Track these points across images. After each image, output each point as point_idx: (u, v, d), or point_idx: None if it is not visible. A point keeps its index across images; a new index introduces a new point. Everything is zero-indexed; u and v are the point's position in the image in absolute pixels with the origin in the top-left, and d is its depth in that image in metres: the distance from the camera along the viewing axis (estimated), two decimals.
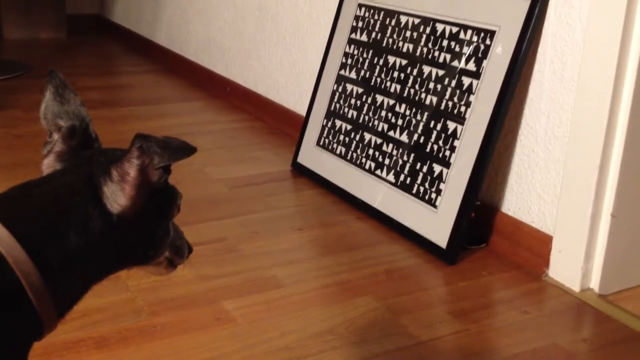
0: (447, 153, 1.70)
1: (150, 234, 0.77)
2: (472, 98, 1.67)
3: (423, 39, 1.83)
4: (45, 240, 0.67)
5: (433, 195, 1.71)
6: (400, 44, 1.89)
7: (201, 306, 1.41)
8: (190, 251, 0.85)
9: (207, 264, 1.57)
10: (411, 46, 1.86)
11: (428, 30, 1.82)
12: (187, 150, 0.71)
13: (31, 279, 0.64)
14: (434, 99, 1.76)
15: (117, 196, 0.70)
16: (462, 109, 1.68)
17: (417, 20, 1.86)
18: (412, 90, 1.83)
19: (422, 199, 1.73)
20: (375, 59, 1.96)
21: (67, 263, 0.68)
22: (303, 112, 2.27)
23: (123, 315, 1.36)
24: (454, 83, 1.72)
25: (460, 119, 1.68)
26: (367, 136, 1.94)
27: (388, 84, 1.91)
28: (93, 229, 0.69)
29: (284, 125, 2.50)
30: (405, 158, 1.81)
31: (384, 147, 1.88)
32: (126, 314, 1.37)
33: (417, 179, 1.76)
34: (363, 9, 2.04)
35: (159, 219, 0.77)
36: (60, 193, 0.70)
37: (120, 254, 0.75)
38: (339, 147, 2.03)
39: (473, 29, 1.70)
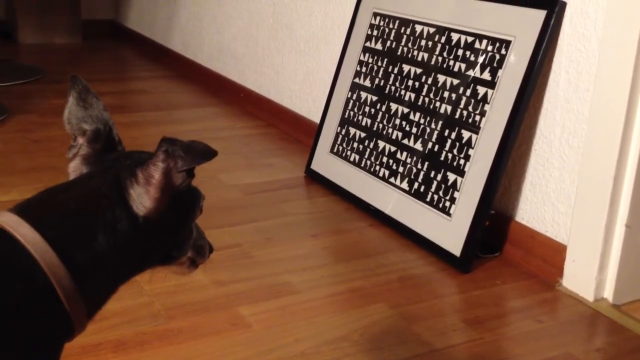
0: (462, 162, 1.70)
1: (174, 234, 0.78)
2: (487, 107, 1.68)
3: (438, 48, 1.84)
4: (74, 243, 0.68)
5: (447, 204, 1.71)
6: (415, 52, 1.91)
7: (217, 311, 1.43)
8: (211, 250, 0.86)
9: (222, 270, 1.59)
10: (426, 55, 1.87)
11: (443, 39, 1.83)
12: (209, 153, 0.73)
13: (63, 282, 0.66)
14: (449, 108, 1.77)
15: (142, 198, 0.71)
16: (477, 118, 1.69)
17: (432, 30, 1.87)
18: (426, 99, 1.84)
19: (436, 207, 1.74)
20: (390, 67, 1.98)
21: (95, 265, 0.70)
22: (317, 119, 2.28)
23: (140, 320, 1.38)
24: (468, 92, 1.73)
25: (475, 128, 1.69)
26: (381, 144, 1.95)
27: (402, 92, 1.92)
28: (120, 231, 0.71)
29: (298, 132, 2.52)
30: (419, 166, 1.82)
31: (398, 155, 1.89)
32: (143, 318, 1.38)
33: (431, 187, 1.77)
34: (378, 17, 2.05)
35: (183, 220, 0.78)
36: (87, 196, 0.71)
37: (145, 255, 0.76)
38: (353, 155, 2.04)
39: (488, 38, 1.71)
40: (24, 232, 0.66)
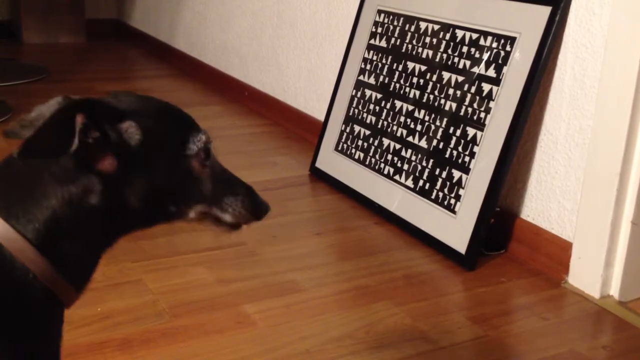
0: (467, 159, 1.70)
1: (153, 188, 0.69)
2: (492, 104, 1.67)
3: (443, 45, 1.83)
4: (28, 211, 0.65)
5: (452, 201, 1.71)
6: (420, 49, 1.90)
7: (222, 309, 1.42)
8: (265, 210, 0.78)
9: (227, 268, 1.59)
10: (431, 52, 1.87)
11: (448, 36, 1.82)
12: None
13: (26, 254, 0.64)
14: (454, 105, 1.77)
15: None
16: (482, 115, 1.69)
17: (436, 27, 1.86)
18: (431, 96, 1.84)
19: (441, 204, 1.74)
20: (395, 64, 1.97)
21: (65, 236, 0.66)
22: (321, 117, 2.28)
23: (145, 318, 1.38)
24: (473, 89, 1.72)
25: (480, 125, 1.69)
26: (386, 141, 1.95)
27: (407, 89, 1.92)
28: (76, 194, 0.66)
29: (302, 130, 2.51)
30: (424, 163, 1.81)
31: (403, 153, 1.88)
32: (148, 316, 1.38)
33: (436, 185, 1.76)
34: (382, 14, 2.05)
35: (162, 169, 0.70)
36: (36, 163, 0.66)
37: (120, 216, 0.69)
38: (358, 152, 2.04)
39: (493, 35, 1.70)
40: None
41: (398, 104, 1.94)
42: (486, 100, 1.68)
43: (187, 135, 0.71)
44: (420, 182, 1.81)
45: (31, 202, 0.65)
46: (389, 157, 1.93)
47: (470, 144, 1.70)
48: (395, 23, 2.00)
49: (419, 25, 1.92)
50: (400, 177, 1.87)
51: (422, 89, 1.87)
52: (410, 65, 1.92)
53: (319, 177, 2.15)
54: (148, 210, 0.71)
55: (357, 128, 2.06)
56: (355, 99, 2.09)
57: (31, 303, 0.66)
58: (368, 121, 2.03)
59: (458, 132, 1.74)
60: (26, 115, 0.72)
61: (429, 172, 1.79)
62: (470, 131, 1.71)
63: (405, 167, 1.87)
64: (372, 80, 2.04)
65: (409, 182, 1.84)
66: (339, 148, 2.11)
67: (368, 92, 2.05)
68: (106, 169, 0.66)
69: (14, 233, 0.64)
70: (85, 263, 0.70)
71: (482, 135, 1.68)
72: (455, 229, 1.68)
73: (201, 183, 0.74)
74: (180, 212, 0.74)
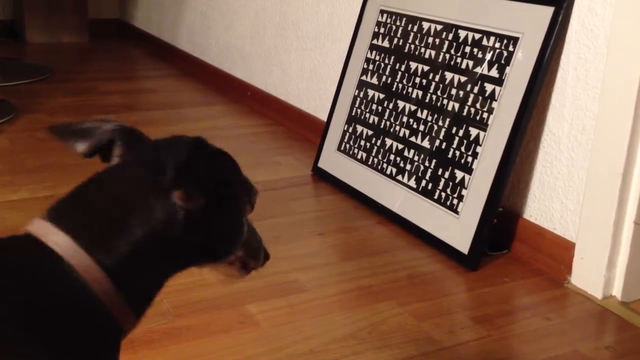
0: (469, 159, 1.70)
1: (221, 230, 0.74)
2: (494, 104, 1.67)
3: (445, 45, 1.84)
4: (111, 244, 0.66)
5: (455, 201, 1.71)
6: (422, 50, 1.90)
7: (225, 309, 1.43)
8: (267, 257, 0.83)
9: None
10: (433, 52, 1.87)
11: (450, 36, 1.82)
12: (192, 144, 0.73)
13: (102, 286, 0.65)
14: (456, 105, 1.77)
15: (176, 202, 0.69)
16: (485, 115, 1.69)
17: (439, 27, 1.87)
18: (433, 97, 1.84)
19: (444, 204, 1.74)
20: (397, 64, 1.97)
21: (136, 264, 0.67)
22: (324, 117, 2.28)
23: (149, 318, 1.37)
24: (476, 89, 1.73)
25: (483, 125, 1.69)
26: (389, 141, 1.95)
27: (410, 89, 1.92)
28: (160, 227, 0.68)
29: (305, 130, 2.52)
30: (426, 164, 1.82)
31: (406, 153, 1.88)
32: (152, 316, 1.38)
33: (438, 185, 1.77)
34: (385, 15, 2.05)
35: (230, 215, 0.75)
36: (123, 192, 0.69)
37: (189, 251, 0.73)
38: (360, 153, 2.04)
39: (496, 35, 1.70)
40: (57, 240, 0.64)
41: (401, 104, 1.94)
42: (489, 101, 1.69)
43: (251, 186, 0.79)
44: (423, 182, 1.81)
45: (115, 232, 0.67)
46: (392, 157, 1.93)
47: (473, 144, 1.70)
48: (398, 23, 2.00)
49: (422, 25, 1.92)
50: (403, 177, 1.87)
51: (425, 89, 1.87)
52: (413, 65, 1.92)
53: (322, 177, 2.16)
54: (211, 249, 0.76)
55: (359, 128, 2.06)
56: (358, 99, 2.09)
57: (99, 330, 0.66)
58: (370, 121, 2.03)
59: (461, 132, 1.74)
60: (79, 123, 0.74)
61: (431, 172, 1.80)
62: (473, 131, 1.71)
63: (408, 167, 1.87)
64: (374, 80, 2.04)
65: (412, 182, 1.84)
66: (342, 148, 2.12)
67: (371, 92, 2.05)
68: (194, 210, 0.69)
69: (93, 264, 0.65)
70: (150, 293, 0.72)
71: (484, 135, 1.68)
72: (458, 229, 1.68)
73: (244, 231, 0.79)
74: (227, 253, 0.78)
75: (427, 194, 1.79)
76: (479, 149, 1.69)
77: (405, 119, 1.92)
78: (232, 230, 0.76)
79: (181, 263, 0.74)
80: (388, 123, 1.97)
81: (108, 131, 0.74)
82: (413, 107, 1.90)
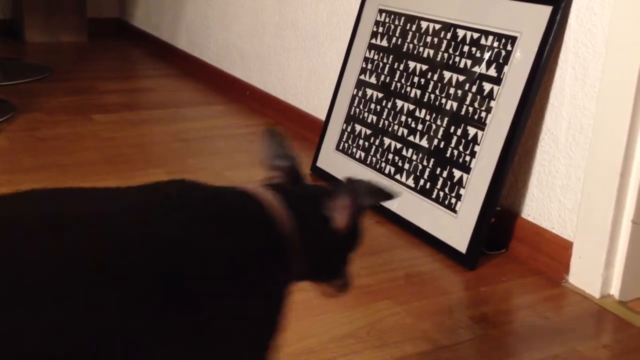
0: (468, 158, 1.70)
1: (344, 256, 0.95)
2: (492, 104, 1.67)
3: (444, 45, 1.84)
4: (301, 222, 0.86)
5: (453, 200, 1.71)
6: (421, 49, 1.90)
7: None
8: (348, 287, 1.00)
9: None
10: (432, 52, 1.87)
11: (449, 35, 1.83)
12: (389, 194, 0.94)
13: (295, 244, 0.84)
14: (454, 105, 1.77)
15: (336, 220, 0.90)
16: (483, 114, 1.69)
17: (437, 26, 1.87)
18: (432, 96, 1.84)
19: (442, 204, 1.74)
20: (396, 64, 1.98)
21: (305, 250, 0.86)
22: (322, 117, 2.28)
23: None
24: (474, 88, 1.73)
25: (481, 125, 1.69)
26: (387, 141, 1.95)
27: (408, 89, 1.92)
28: (320, 235, 0.89)
29: (304, 130, 2.52)
30: (425, 163, 1.82)
31: (404, 152, 1.89)
32: None
33: (437, 184, 1.77)
34: (384, 14, 2.05)
35: (351, 245, 0.95)
36: (314, 192, 0.93)
37: (325, 263, 0.93)
38: (359, 152, 2.04)
39: (494, 34, 1.71)
40: (269, 198, 0.85)
41: (399, 103, 1.94)
42: (487, 100, 1.69)
43: (363, 236, 0.98)
44: (421, 182, 1.81)
45: (306, 207, 0.89)
46: (390, 156, 1.93)
47: (471, 144, 1.70)
48: (397, 22, 2.00)
49: (420, 24, 1.92)
50: (401, 176, 1.88)
51: (423, 88, 1.87)
52: (412, 64, 1.92)
53: (320, 176, 2.16)
54: (333, 268, 0.96)
55: (358, 127, 2.07)
56: (357, 98, 2.09)
57: (283, 265, 0.84)
58: (369, 120, 2.03)
59: (459, 132, 1.74)
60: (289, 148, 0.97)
61: (429, 172, 1.80)
62: (471, 130, 1.71)
63: (406, 166, 1.87)
64: (373, 80, 2.04)
65: (410, 182, 1.85)
66: (340, 147, 2.12)
67: (369, 92, 2.05)
68: (344, 229, 0.91)
69: (285, 213, 0.85)
70: (302, 270, 0.88)
71: (482, 134, 1.68)
72: (456, 228, 1.69)
73: (347, 264, 0.98)
74: (333, 278, 0.97)
75: (425, 193, 1.80)
76: (477, 148, 1.69)
77: (403, 118, 1.92)
78: (342, 262, 0.96)
79: (313, 273, 0.92)
80: (386, 122, 1.97)
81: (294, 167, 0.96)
82: (411, 107, 1.90)
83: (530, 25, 1.63)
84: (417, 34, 1.93)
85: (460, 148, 1.73)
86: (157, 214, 0.75)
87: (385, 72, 2.01)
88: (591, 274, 1.55)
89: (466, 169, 1.70)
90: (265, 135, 0.98)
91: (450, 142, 1.76)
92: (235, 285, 0.77)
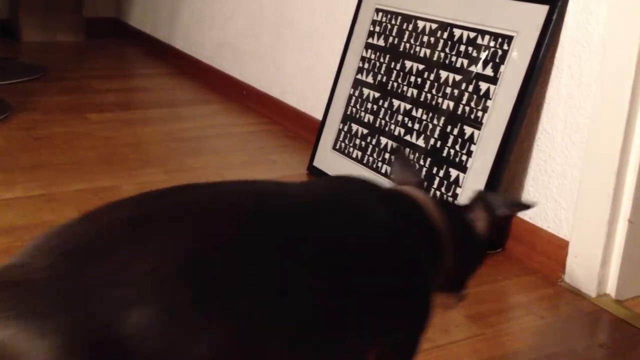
0: (464, 158, 1.70)
1: (472, 267, 1.01)
2: (489, 103, 1.67)
3: (440, 44, 1.84)
4: (454, 233, 0.93)
5: (450, 200, 1.71)
6: (418, 48, 1.90)
7: None
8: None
9: None
10: (428, 51, 1.87)
11: (445, 35, 1.83)
12: (526, 205, 1.01)
13: (447, 243, 0.90)
14: (451, 104, 1.77)
15: (477, 225, 0.98)
16: (479, 113, 1.69)
17: (434, 25, 1.87)
18: (428, 95, 1.84)
19: None
20: (392, 63, 1.97)
21: (455, 252, 0.92)
22: (319, 116, 2.28)
23: None
24: (471, 88, 1.73)
25: (477, 124, 1.69)
26: (384, 140, 1.95)
27: (405, 88, 1.92)
28: (469, 237, 0.97)
29: (300, 129, 2.52)
30: (421, 162, 1.82)
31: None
32: None
33: (433, 184, 1.77)
34: (380, 13, 2.05)
35: (481, 258, 1.03)
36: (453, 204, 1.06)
37: (464, 267, 0.99)
38: (355, 151, 2.04)
39: (490, 34, 1.71)
40: (426, 201, 0.92)
41: (396, 102, 1.94)
42: (483, 99, 1.69)
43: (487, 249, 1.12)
44: None
45: (453, 212, 0.97)
46: (387, 155, 1.93)
47: (468, 143, 1.70)
48: (393, 22, 2.00)
49: (417, 24, 1.92)
50: None
51: (420, 87, 1.87)
52: (408, 64, 1.92)
53: (317, 175, 2.16)
54: (463, 277, 1.02)
55: (355, 127, 2.06)
56: (353, 97, 2.09)
57: (433, 264, 0.89)
58: (366, 120, 2.03)
59: (455, 131, 1.74)
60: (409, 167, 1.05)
61: (426, 171, 1.80)
62: (468, 130, 1.71)
63: None
64: (370, 79, 2.04)
65: None
66: (337, 147, 2.12)
67: (366, 91, 2.05)
68: (485, 236, 0.99)
69: (440, 215, 0.92)
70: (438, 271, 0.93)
71: (479, 134, 1.68)
72: None
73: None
74: (462, 287, 1.03)
75: None
76: (473, 148, 1.69)
77: (400, 117, 1.92)
78: (470, 274, 1.02)
79: (452, 279, 0.97)
80: (383, 122, 1.97)
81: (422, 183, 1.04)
82: (408, 106, 1.90)
83: (526, 25, 1.63)
84: (414, 34, 1.93)
85: (457, 147, 1.73)
86: (365, 203, 0.84)
87: (382, 72, 2.00)
88: (587, 273, 1.55)
89: (463, 168, 1.70)
90: (394, 154, 1.09)
91: (447, 142, 1.76)
92: (401, 279, 0.83)
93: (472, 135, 1.70)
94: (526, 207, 1.01)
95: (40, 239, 0.64)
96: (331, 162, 2.12)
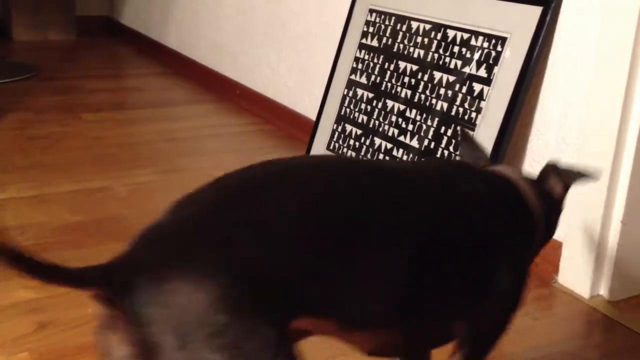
0: (458, 158, 1.70)
1: (547, 239, 1.06)
2: (482, 104, 1.68)
3: (434, 45, 1.84)
4: (544, 206, 0.99)
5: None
6: (411, 49, 1.90)
7: None
8: None
9: None
10: (422, 52, 1.87)
11: (439, 36, 1.83)
12: (593, 174, 1.03)
13: (539, 220, 0.98)
14: (445, 105, 1.77)
15: (554, 192, 1.04)
16: (473, 114, 1.69)
17: (428, 26, 1.87)
18: (422, 96, 1.84)
19: None
20: (386, 64, 1.97)
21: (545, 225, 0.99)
22: (313, 117, 2.28)
23: None
24: (464, 89, 1.73)
25: (471, 125, 1.69)
26: (377, 141, 1.95)
27: (398, 89, 1.92)
28: (551, 210, 1.02)
29: (294, 129, 2.51)
30: None
31: (394, 152, 1.89)
32: None
33: None
34: (374, 14, 2.05)
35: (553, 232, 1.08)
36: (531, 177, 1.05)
37: (541, 244, 1.03)
38: (349, 152, 2.04)
39: (484, 35, 1.71)
40: (517, 178, 0.98)
41: (389, 103, 1.94)
42: (477, 100, 1.69)
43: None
44: None
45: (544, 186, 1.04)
46: (381, 156, 1.93)
47: None
48: (387, 22, 2.00)
49: (411, 24, 1.92)
50: None
51: (414, 88, 1.87)
52: (402, 64, 1.92)
53: None
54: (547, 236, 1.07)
55: (348, 127, 2.06)
56: (347, 98, 2.09)
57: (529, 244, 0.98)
58: (360, 120, 2.03)
59: (449, 132, 1.74)
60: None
61: None
62: None
63: None
64: (363, 80, 2.04)
65: None
66: (331, 147, 2.11)
67: (360, 92, 2.05)
68: (561, 203, 1.06)
69: (534, 196, 0.99)
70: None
71: (472, 135, 1.68)
72: None
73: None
74: (550, 238, 1.09)
75: None
76: None
77: (394, 118, 1.92)
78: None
79: (540, 240, 1.02)
80: (377, 122, 1.97)
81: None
82: (402, 107, 1.90)
83: (520, 26, 1.63)
84: (408, 34, 1.93)
85: (451, 148, 1.73)
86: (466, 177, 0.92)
87: (376, 72, 2.00)
88: (580, 274, 1.55)
89: None
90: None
91: (441, 143, 1.76)
92: (500, 254, 0.90)
93: None
94: (594, 176, 1.04)
95: (178, 201, 0.73)
96: None
